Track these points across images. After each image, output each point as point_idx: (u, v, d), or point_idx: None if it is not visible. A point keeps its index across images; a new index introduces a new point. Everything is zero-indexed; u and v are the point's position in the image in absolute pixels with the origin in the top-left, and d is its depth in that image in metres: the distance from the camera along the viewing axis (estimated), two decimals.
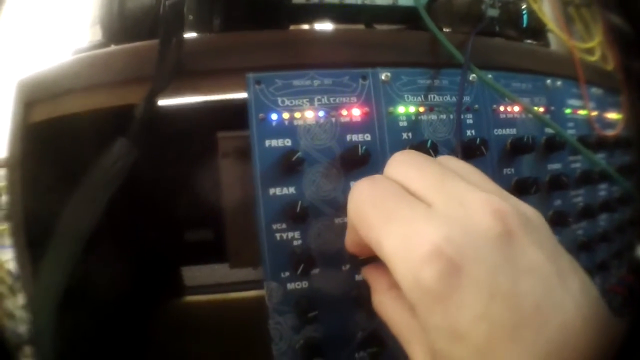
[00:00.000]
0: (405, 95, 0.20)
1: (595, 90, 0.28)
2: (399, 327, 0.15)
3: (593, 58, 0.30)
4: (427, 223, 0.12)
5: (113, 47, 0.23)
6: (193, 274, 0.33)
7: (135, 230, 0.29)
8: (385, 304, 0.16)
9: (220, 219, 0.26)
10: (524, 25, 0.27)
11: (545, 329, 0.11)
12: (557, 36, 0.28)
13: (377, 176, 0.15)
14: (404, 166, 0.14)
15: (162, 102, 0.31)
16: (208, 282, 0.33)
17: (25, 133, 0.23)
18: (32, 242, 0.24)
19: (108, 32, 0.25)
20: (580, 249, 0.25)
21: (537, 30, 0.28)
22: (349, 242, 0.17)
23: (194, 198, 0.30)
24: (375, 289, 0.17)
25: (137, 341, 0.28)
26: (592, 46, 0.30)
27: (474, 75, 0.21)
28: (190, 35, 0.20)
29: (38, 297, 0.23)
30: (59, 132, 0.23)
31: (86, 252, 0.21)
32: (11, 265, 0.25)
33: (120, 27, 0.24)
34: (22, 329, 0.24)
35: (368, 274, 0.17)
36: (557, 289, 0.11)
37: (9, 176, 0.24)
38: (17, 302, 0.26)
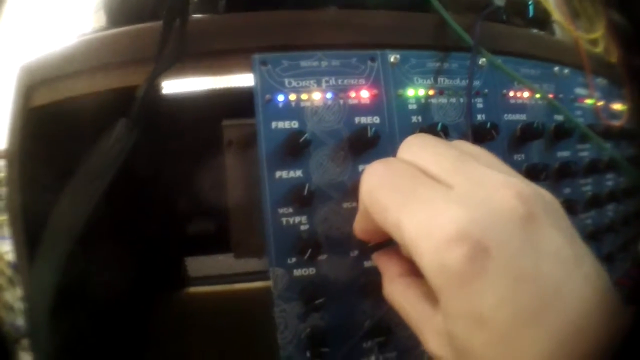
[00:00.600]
0: (415, 78, 0.20)
1: (600, 81, 0.28)
2: (412, 315, 0.14)
3: (597, 49, 0.30)
4: (450, 204, 0.12)
5: (115, 29, 0.22)
6: (197, 264, 0.32)
7: (139, 221, 0.28)
8: (397, 291, 0.15)
9: (225, 209, 0.25)
10: (530, 15, 0.26)
11: (564, 313, 0.11)
12: (563, 27, 0.28)
13: (391, 159, 0.14)
14: (419, 149, 0.14)
15: (166, 90, 0.30)
16: (212, 273, 0.32)
17: (27, 117, 0.22)
18: (30, 232, 0.23)
19: (111, 15, 0.24)
20: (590, 239, 0.25)
21: (543, 21, 0.28)
22: (358, 229, 0.16)
23: (198, 188, 0.29)
24: (386, 276, 0.16)
25: (141, 333, 0.27)
26: (596, 37, 0.29)
27: (483, 59, 0.21)
28: (194, 16, 0.20)
29: (35, 286, 0.22)
30: (61, 116, 0.22)
31: (90, 243, 0.20)
32: (10, 256, 0.24)
33: (123, 9, 0.23)
34: (21, 321, 0.23)
35: (379, 260, 0.17)
36: (575, 274, 0.11)
37: (8, 167, 0.23)
38: (17, 294, 0.25)
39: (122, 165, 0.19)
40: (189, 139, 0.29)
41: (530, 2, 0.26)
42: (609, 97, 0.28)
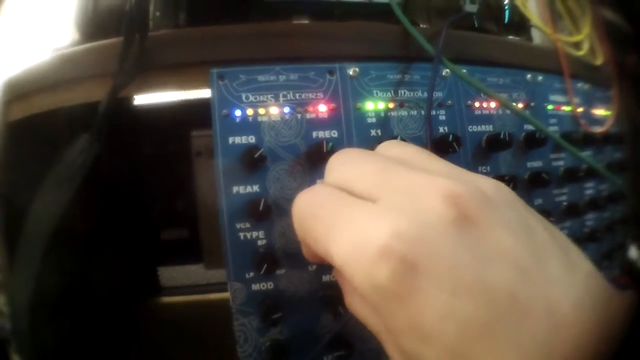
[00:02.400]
0: (374, 91, 0.20)
1: (581, 86, 0.27)
2: (373, 328, 0.14)
3: (580, 52, 0.29)
4: (372, 221, 0.11)
5: (84, 45, 0.23)
6: (170, 274, 0.33)
7: (110, 231, 0.29)
8: (355, 305, 0.15)
9: (196, 219, 0.25)
10: (506, 20, 0.26)
11: (526, 320, 0.10)
12: (541, 30, 0.27)
13: (316, 185, 0.14)
14: (342, 167, 0.14)
15: (137, 100, 0.31)
16: (185, 283, 0.33)
17: (4, 132, 0.23)
18: (10, 238, 0.24)
19: (82, 30, 0.25)
20: None
21: (520, 26, 0.27)
22: (306, 254, 0.16)
23: (169, 198, 0.30)
24: (345, 291, 0.16)
25: (114, 341, 0.28)
26: (580, 39, 0.29)
27: (447, 70, 0.21)
28: (155, 31, 0.20)
29: (13, 292, 0.23)
30: (33, 131, 0.23)
31: (62, 252, 0.21)
32: None
33: (93, 25, 0.24)
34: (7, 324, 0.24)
35: (338, 275, 0.17)
36: (535, 273, 0.10)
37: None
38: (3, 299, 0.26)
39: (94, 176, 0.20)
40: (160, 149, 0.30)
41: (506, 7, 0.26)
42: (591, 102, 0.28)
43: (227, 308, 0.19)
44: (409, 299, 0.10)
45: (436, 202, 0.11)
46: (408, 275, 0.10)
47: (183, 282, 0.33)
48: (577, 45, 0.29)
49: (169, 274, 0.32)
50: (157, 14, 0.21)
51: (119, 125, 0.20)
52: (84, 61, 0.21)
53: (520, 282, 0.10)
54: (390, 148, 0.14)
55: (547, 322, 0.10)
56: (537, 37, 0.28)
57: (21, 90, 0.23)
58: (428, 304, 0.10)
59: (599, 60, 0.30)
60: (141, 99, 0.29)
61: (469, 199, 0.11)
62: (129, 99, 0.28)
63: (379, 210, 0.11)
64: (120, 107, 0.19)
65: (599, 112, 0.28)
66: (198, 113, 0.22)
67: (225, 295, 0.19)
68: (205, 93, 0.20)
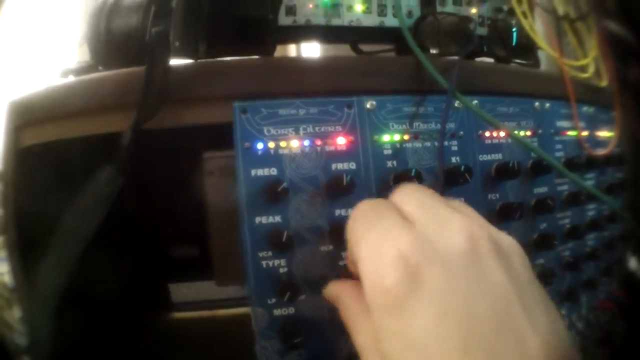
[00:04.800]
0: (391, 124, 0.21)
1: (586, 109, 0.29)
2: (350, 310, 0.17)
3: (586, 75, 0.31)
4: (401, 232, 0.13)
5: (100, 73, 0.23)
6: (180, 290, 0.34)
7: (123, 247, 0.30)
8: (342, 287, 0.18)
9: (207, 238, 0.27)
10: (514, 43, 0.28)
11: (499, 355, 0.11)
12: (548, 53, 0.29)
13: (377, 199, 0.17)
14: (406, 192, 0.16)
15: (150, 124, 0.32)
16: (195, 299, 0.34)
17: (16, 156, 0.24)
18: (25, 255, 0.25)
19: (95, 54, 0.26)
20: (566, 269, 0.27)
21: (528, 48, 0.29)
22: (348, 260, 0.18)
23: (181, 216, 0.31)
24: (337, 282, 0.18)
25: (125, 356, 0.30)
26: (586, 63, 0.31)
27: (459, 101, 0.22)
28: (175, 62, 0.21)
29: (32, 310, 0.24)
30: (48, 157, 0.24)
31: (75, 271, 0.22)
32: (7, 277, 0.27)
33: (107, 50, 0.24)
34: (20, 339, 0.26)
35: (339, 284, 0.19)
36: (519, 317, 0.12)
37: (4, 191, 0.25)
38: (14, 314, 0.27)
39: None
40: (174, 169, 0.31)
41: (514, 30, 0.28)
42: (595, 124, 0.30)
43: (237, 324, 0.21)
44: (405, 304, 0.12)
45: (458, 235, 0.13)
46: (412, 285, 0.12)
47: (194, 298, 0.34)
48: (582, 68, 0.31)
49: (180, 290, 0.34)
50: (177, 44, 0.22)
51: (138, 150, 0.21)
52: (103, 90, 0.22)
53: (504, 320, 0.12)
54: (453, 201, 0.16)
55: (518, 356, 0.11)
56: (544, 59, 0.30)
57: (34, 115, 0.24)
58: (420, 315, 0.12)
59: (604, 82, 0.32)
60: (153, 123, 0.30)
61: (484, 241, 0.13)
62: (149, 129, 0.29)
63: (411, 228, 0.14)
64: (143, 136, 0.20)
65: (603, 134, 0.30)
66: (210, 135, 0.23)
67: (235, 311, 0.21)
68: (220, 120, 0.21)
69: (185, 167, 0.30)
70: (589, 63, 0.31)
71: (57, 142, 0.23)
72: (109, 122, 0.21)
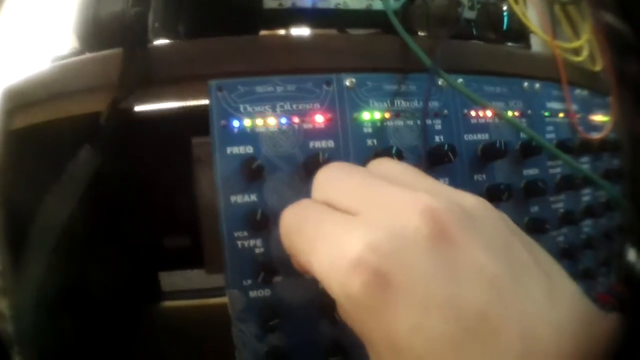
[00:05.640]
0: (371, 101, 0.20)
1: (579, 92, 0.27)
2: (360, 337, 0.15)
3: (579, 58, 0.29)
4: (350, 234, 0.11)
5: (85, 56, 0.23)
6: (171, 279, 0.33)
7: (112, 236, 0.29)
8: (343, 312, 0.15)
9: (197, 225, 0.26)
10: (505, 27, 0.26)
11: (496, 340, 0.09)
12: (540, 37, 0.27)
13: (302, 200, 0.14)
14: (327, 182, 0.14)
15: (138, 109, 0.31)
16: (186, 288, 0.33)
17: (5, 140, 0.24)
18: (12, 246, 0.24)
19: (83, 40, 0.25)
20: (562, 256, 0.25)
21: (519, 33, 0.27)
22: (295, 266, 0.16)
23: (170, 204, 0.30)
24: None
25: (115, 345, 0.29)
26: (579, 45, 0.28)
27: (442, 79, 0.21)
28: (156, 42, 0.20)
29: (16, 297, 0.23)
30: (34, 140, 0.23)
31: (64, 257, 0.21)
32: None
33: (94, 34, 0.24)
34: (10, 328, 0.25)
35: None
36: (510, 294, 0.10)
37: None
38: (6, 302, 0.26)
39: (95, 182, 0.20)
40: (162, 156, 0.30)
41: (504, 14, 0.26)
42: (589, 108, 0.27)
43: (228, 313, 0.19)
44: (380, 311, 0.10)
45: (413, 217, 0.11)
46: (380, 288, 0.10)
47: (184, 286, 0.33)
48: (576, 52, 0.29)
49: (170, 279, 0.33)
50: (156, 25, 0.21)
51: (120, 132, 0.20)
52: (84, 72, 0.21)
53: (493, 302, 0.10)
54: (380, 165, 0.14)
55: (520, 344, 0.09)
56: (536, 44, 0.28)
57: (23, 99, 0.23)
58: (398, 317, 0.10)
59: (598, 66, 0.30)
60: (142, 108, 0.29)
61: (447, 215, 0.11)
62: (130, 109, 0.28)
63: (356, 224, 0.11)
64: (121, 116, 0.20)
65: (597, 118, 0.28)
66: (198, 121, 0.22)
67: (226, 300, 0.19)
68: (204, 102, 0.20)
69: (174, 155, 0.29)
70: (582, 46, 0.29)
71: (43, 124, 0.22)
72: (91, 103, 0.20)
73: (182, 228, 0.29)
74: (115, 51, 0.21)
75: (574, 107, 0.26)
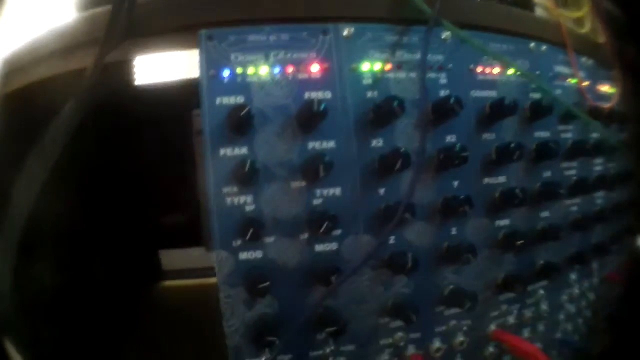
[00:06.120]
0: (370, 52, 0.18)
1: (585, 61, 0.25)
2: None
3: (583, 30, 0.27)
4: None
5: (77, 14, 0.22)
6: (171, 258, 0.31)
7: (112, 214, 0.27)
8: None
9: (197, 201, 0.24)
10: None
11: None
12: (545, 6, 0.25)
13: None
14: None
15: (138, 81, 0.29)
16: (186, 267, 0.31)
17: (2, 102, 0.22)
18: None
19: (79, 2, 0.24)
20: (575, 228, 0.22)
21: (523, 3, 0.26)
22: None
23: (170, 180, 0.29)
24: None
25: (115, 326, 0.26)
26: (581, 16, 0.27)
27: (447, 33, 0.19)
28: None
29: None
30: (28, 100, 0.22)
31: (63, 238, 0.19)
32: None
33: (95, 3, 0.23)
34: None
35: None
36: None
37: None
38: None
39: (96, 159, 0.19)
40: (161, 132, 0.28)
41: None
42: (595, 77, 0.26)
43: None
44: None
45: None
46: None
47: (183, 266, 0.31)
48: (579, 22, 0.27)
49: (170, 258, 0.30)
50: None
51: (119, 109, 0.19)
52: (75, 30, 0.20)
53: None
54: None
55: None
56: (538, 12, 0.27)
57: (19, 62, 0.22)
58: None
59: (602, 39, 0.28)
60: (141, 80, 0.28)
61: None
62: (130, 81, 0.27)
63: None
64: (108, 71, 0.18)
65: (604, 88, 0.26)
66: (195, 95, 0.20)
67: None
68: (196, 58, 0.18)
69: (175, 128, 0.27)
70: (584, 16, 0.27)
71: (36, 83, 0.20)
72: (82, 60, 0.19)
73: (182, 204, 0.27)
74: (105, 8, 0.19)
75: (580, 74, 0.24)
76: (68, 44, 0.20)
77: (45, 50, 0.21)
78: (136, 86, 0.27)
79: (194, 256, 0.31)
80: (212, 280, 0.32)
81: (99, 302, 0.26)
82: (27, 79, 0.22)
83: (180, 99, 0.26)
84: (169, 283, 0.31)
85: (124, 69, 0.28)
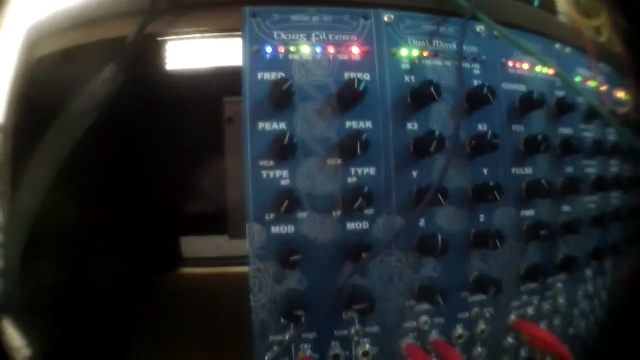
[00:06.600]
0: (409, 39, 0.18)
1: (603, 67, 0.26)
2: None
3: (601, 38, 0.28)
4: None
5: None
6: (192, 245, 0.30)
7: (134, 199, 0.26)
8: None
9: (222, 187, 0.23)
10: (535, 5, 0.25)
11: None
12: (567, 13, 0.26)
13: None
14: None
15: (169, 66, 0.29)
16: (206, 255, 0.30)
17: (32, 68, 0.21)
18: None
19: None
20: (594, 225, 0.22)
21: (548, 8, 0.26)
22: None
23: (196, 166, 0.28)
24: None
25: (134, 313, 0.25)
26: (599, 24, 0.27)
27: (481, 27, 0.19)
28: None
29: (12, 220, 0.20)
30: (63, 65, 0.21)
31: (84, 222, 0.18)
32: None
33: None
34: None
35: None
36: None
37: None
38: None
39: (126, 147, 0.18)
40: (188, 119, 0.28)
41: None
42: (612, 83, 0.26)
43: (247, 281, 0.17)
44: None
45: None
46: None
47: (204, 254, 0.30)
48: (598, 31, 0.28)
49: (191, 245, 0.29)
50: None
51: (148, 93, 0.18)
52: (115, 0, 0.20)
53: None
54: None
55: None
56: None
57: (47, 29, 0.21)
58: None
59: (618, 48, 0.29)
60: (172, 65, 0.27)
61: None
62: (161, 65, 0.26)
63: None
64: (150, 72, 0.18)
65: (620, 94, 0.27)
66: (229, 81, 0.20)
67: (246, 269, 0.17)
68: (237, 45, 0.18)
69: (204, 118, 0.26)
70: (602, 25, 0.27)
71: (71, 49, 0.20)
72: (120, 28, 0.19)
73: (206, 191, 0.26)
74: None
75: (600, 78, 0.24)
76: (106, 13, 0.20)
77: (81, 17, 0.20)
78: (167, 70, 0.27)
79: (214, 244, 0.30)
80: (231, 269, 0.31)
81: (116, 286, 0.25)
82: (55, 47, 0.21)
83: (211, 85, 0.25)
84: (188, 270, 0.30)
85: (155, 52, 0.27)
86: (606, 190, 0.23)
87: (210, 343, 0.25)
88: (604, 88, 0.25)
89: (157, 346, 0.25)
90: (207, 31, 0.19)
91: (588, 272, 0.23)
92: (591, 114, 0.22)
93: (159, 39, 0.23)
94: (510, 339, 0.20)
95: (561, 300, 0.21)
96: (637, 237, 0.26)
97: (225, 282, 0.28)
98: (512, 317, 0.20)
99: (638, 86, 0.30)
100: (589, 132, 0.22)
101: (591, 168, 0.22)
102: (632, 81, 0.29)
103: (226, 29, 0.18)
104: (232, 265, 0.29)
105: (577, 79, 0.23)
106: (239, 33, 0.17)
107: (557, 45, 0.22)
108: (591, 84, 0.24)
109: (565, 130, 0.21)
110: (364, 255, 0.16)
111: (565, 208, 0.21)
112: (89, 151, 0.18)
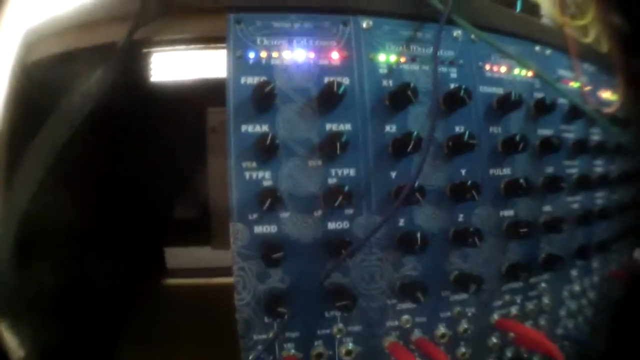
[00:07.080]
0: (387, 44, 0.19)
1: (588, 67, 0.26)
2: None
3: (587, 39, 0.28)
4: None
5: None
6: (176, 256, 0.30)
7: (119, 209, 0.27)
8: None
9: (206, 197, 0.23)
10: (518, 10, 0.25)
11: None
12: (551, 15, 0.26)
13: None
14: None
15: (155, 78, 0.29)
16: (191, 266, 0.30)
17: (25, 72, 0.22)
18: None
19: None
20: (579, 223, 0.22)
21: (531, 11, 0.26)
22: None
23: (181, 176, 0.28)
24: None
25: (119, 323, 0.25)
26: (585, 24, 0.27)
27: (458, 32, 0.20)
28: None
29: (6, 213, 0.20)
30: (51, 70, 0.22)
31: (68, 228, 0.19)
32: None
33: None
34: None
35: None
36: None
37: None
38: None
39: (105, 151, 0.18)
40: (174, 128, 0.28)
41: None
42: (597, 83, 0.26)
43: (231, 292, 0.17)
44: None
45: None
46: None
47: (188, 265, 0.30)
48: (583, 31, 0.28)
49: (175, 256, 0.29)
50: None
51: (133, 104, 0.19)
52: (106, 4, 0.20)
53: None
54: None
55: None
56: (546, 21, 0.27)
57: (43, 33, 0.22)
58: None
59: (605, 48, 0.29)
60: (157, 77, 0.27)
61: None
62: (146, 77, 0.27)
63: None
64: (136, 84, 0.18)
65: (606, 94, 0.27)
66: (212, 92, 0.21)
67: (231, 280, 0.17)
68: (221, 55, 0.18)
69: (188, 128, 0.27)
70: (588, 25, 0.27)
71: (63, 54, 0.20)
72: (112, 33, 0.19)
73: (191, 202, 0.26)
74: None
75: (583, 79, 0.24)
76: (97, 17, 0.20)
77: (73, 22, 0.21)
78: (152, 82, 0.27)
79: (199, 256, 0.30)
80: (215, 280, 0.30)
81: (100, 295, 0.25)
82: (52, 50, 0.22)
83: (195, 96, 0.26)
84: (172, 281, 0.30)
85: (141, 64, 0.27)
86: (590, 190, 0.23)
87: (195, 353, 0.25)
88: (588, 88, 0.25)
89: (142, 356, 0.25)
90: (192, 39, 0.19)
91: (574, 272, 0.23)
92: (573, 115, 0.22)
93: (145, 50, 0.23)
94: (494, 339, 0.20)
95: (546, 300, 0.21)
96: (625, 232, 0.26)
97: (209, 294, 0.28)
98: (495, 316, 0.20)
99: (627, 83, 0.30)
100: (571, 133, 0.23)
101: (573, 168, 0.22)
102: (621, 79, 0.29)
103: (211, 37, 0.19)
104: (215, 277, 0.29)
105: (558, 80, 0.23)
106: (224, 45, 0.18)
107: (538, 48, 0.22)
108: (574, 84, 0.24)
109: (545, 132, 0.21)
110: (344, 251, 0.16)
111: (547, 207, 0.21)
112: (72, 160, 0.19)
